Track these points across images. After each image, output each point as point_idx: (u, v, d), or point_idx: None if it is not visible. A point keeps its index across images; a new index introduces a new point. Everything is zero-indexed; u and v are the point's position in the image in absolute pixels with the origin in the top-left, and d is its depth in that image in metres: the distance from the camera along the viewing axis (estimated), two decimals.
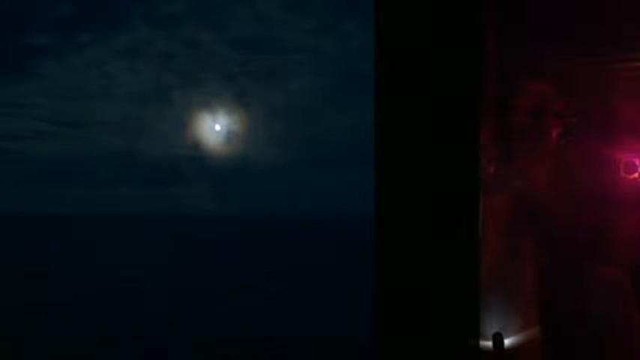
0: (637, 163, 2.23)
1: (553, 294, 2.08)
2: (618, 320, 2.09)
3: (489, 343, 1.84)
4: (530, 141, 2.19)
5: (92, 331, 12.29)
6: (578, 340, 2.08)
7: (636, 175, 2.26)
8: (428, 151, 1.28)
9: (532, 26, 2.26)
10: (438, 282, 1.27)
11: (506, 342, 1.91)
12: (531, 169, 2.08)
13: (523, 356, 1.97)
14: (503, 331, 1.90)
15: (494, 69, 2.06)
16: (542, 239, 2.08)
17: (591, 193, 2.14)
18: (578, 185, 2.14)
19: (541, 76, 2.26)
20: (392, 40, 1.29)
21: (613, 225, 2.18)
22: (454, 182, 1.26)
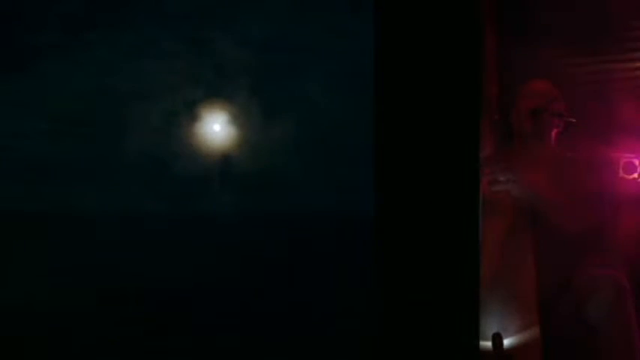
0: (636, 163, 2.23)
1: (552, 294, 2.08)
2: (617, 320, 2.08)
3: (489, 344, 1.84)
4: (530, 141, 2.19)
5: None
6: (577, 340, 2.07)
7: (635, 175, 2.26)
8: (428, 150, 1.28)
9: (532, 26, 2.26)
10: (437, 282, 1.26)
11: (506, 342, 1.91)
12: (531, 169, 2.08)
13: (522, 357, 1.97)
14: (503, 332, 1.89)
15: (495, 69, 2.06)
16: (541, 239, 2.08)
17: (591, 194, 2.14)
18: (577, 185, 2.14)
19: (541, 76, 2.26)
20: (392, 40, 1.29)
21: (612, 225, 2.18)
22: (454, 182, 1.26)
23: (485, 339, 1.82)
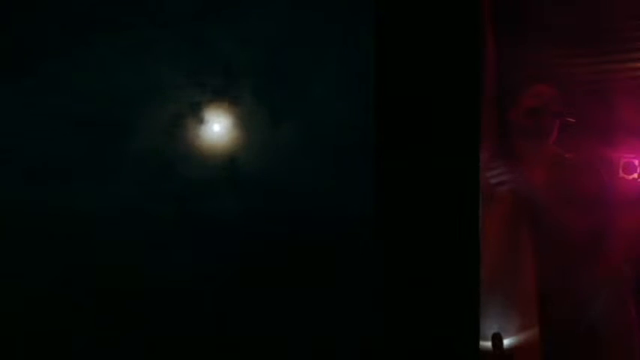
0: (636, 163, 2.23)
1: (552, 294, 2.08)
2: (617, 320, 2.09)
3: (489, 344, 1.84)
4: (530, 141, 2.19)
5: None
6: (577, 340, 2.08)
7: (635, 175, 2.26)
8: (428, 151, 1.28)
9: (532, 26, 2.26)
10: (437, 282, 1.26)
11: (506, 342, 1.91)
12: (531, 169, 2.08)
13: (522, 357, 1.97)
14: (503, 332, 1.90)
15: (495, 68, 2.06)
16: (541, 239, 2.08)
17: (591, 194, 2.14)
18: (577, 185, 2.14)
19: (541, 76, 2.26)
20: (392, 40, 1.29)
21: (612, 225, 2.18)
22: (454, 182, 1.26)
23: (485, 339, 1.82)
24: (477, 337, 1.28)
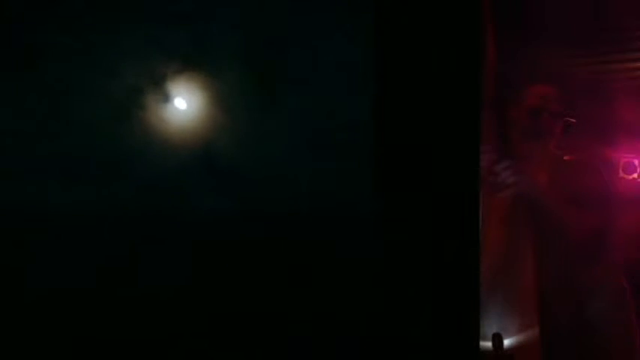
0: (636, 163, 2.23)
1: (553, 294, 2.08)
2: (617, 320, 2.09)
3: (489, 344, 1.83)
4: (530, 141, 2.19)
5: None
6: (577, 340, 2.08)
7: (635, 175, 2.25)
8: (428, 151, 1.28)
9: (532, 26, 2.26)
10: (437, 282, 1.26)
11: (506, 342, 1.90)
12: (532, 169, 2.08)
13: (522, 357, 1.97)
14: (503, 332, 1.89)
15: (494, 68, 2.06)
16: (542, 239, 2.08)
17: (590, 195, 2.14)
18: (577, 186, 2.14)
19: (541, 76, 2.26)
20: (392, 39, 1.29)
21: (612, 225, 2.18)
22: (454, 182, 1.26)
23: (486, 339, 1.82)
24: (477, 337, 1.28)
